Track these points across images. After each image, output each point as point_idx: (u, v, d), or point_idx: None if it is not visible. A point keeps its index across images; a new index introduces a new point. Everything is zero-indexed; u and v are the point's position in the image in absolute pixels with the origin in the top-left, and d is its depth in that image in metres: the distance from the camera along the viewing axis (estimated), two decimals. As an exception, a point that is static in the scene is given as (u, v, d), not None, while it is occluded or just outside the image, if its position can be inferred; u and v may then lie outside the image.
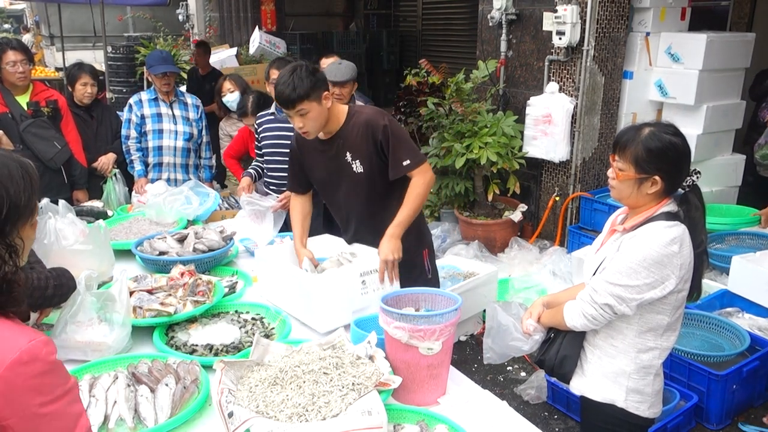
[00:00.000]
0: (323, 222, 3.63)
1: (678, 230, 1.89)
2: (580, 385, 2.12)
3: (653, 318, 1.96)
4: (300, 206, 2.93)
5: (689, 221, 1.93)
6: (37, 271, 2.16)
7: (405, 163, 2.63)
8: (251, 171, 3.95)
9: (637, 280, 1.88)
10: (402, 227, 2.60)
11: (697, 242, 1.94)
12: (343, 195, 2.83)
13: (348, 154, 2.70)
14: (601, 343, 2.05)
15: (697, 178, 1.95)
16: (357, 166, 2.70)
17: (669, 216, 1.92)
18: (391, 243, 2.53)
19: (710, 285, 4.04)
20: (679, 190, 1.96)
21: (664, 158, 1.90)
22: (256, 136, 3.94)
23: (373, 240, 2.66)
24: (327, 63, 4.23)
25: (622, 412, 2.04)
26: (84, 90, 4.45)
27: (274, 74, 3.73)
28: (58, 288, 2.18)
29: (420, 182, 2.66)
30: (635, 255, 1.88)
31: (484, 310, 4.33)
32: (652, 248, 1.86)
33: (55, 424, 1.21)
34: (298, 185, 2.95)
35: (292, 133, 3.72)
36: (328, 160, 2.76)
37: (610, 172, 2.02)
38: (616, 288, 1.91)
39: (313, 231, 3.03)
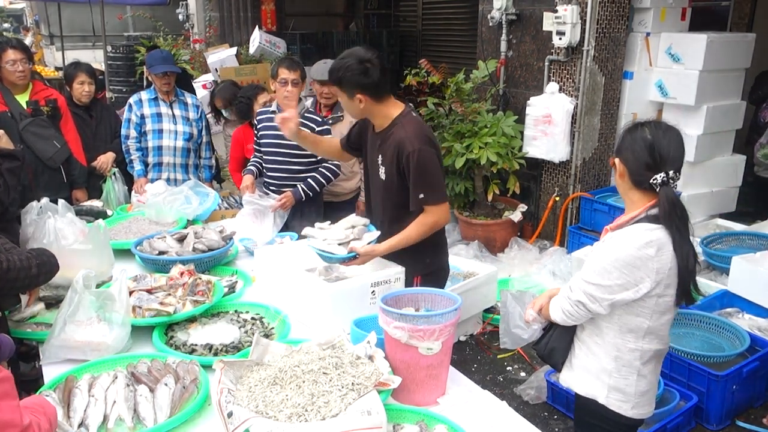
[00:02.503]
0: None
1: (658, 234, 1.88)
2: (567, 377, 2.16)
3: (632, 320, 1.97)
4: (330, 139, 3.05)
5: (670, 226, 1.88)
6: (16, 254, 2.15)
7: (420, 197, 2.59)
8: (252, 168, 3.94)
9: (608, 280, 1.91)
10: (389, 251, 2.59)
11: (680, 250, 1.90)
12: (371, 190, 2.87)
13: (380, 157, 2.71)
14: (587, 339, 2.08)
15: (666, 178, 1.88)
16: (382, 172, 2.71)
17: (654, 219, 1.91)
18: (366, 260, 2.57)
19: (710, 285, 4.04)
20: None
21: (627, 143, 1.96)
22: (256, 132, 3.94)
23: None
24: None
25: (604, 408, 2.06)
26: (81, 89, 4.45)
27: (283, 73, 3.71)
28: (42, 266, 2.18)
29: (427, 221, 2.60)
30: (609, 255, 1.92)
31: (484, 310, 4.33)
32: (624, 250, 1.89)
33: None
34: (347, 139, 2.95)
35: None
36: (370, 151, 2.80)
37: None
38: (589, 286, 1.94)
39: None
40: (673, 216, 1.89)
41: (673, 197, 1.90)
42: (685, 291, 1.96)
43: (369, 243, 2.58)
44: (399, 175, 2.63)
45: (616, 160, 2.00)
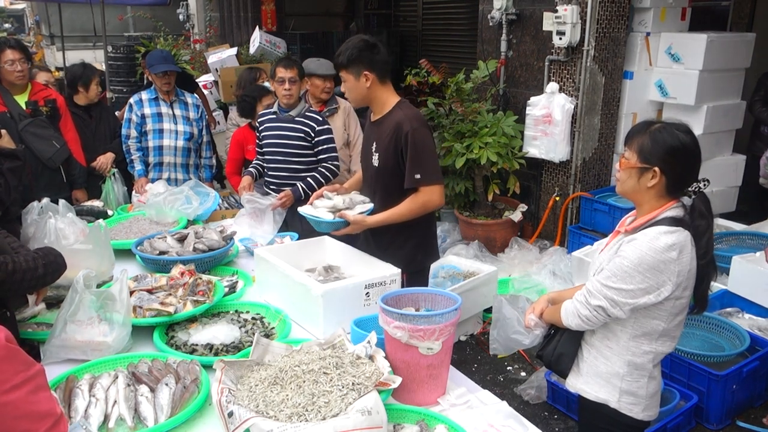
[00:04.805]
0: None
1: (679, 236, 1.85)
2: (576, 382, 2.13)
3: (648, 323, 1.95)
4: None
5: (693, 229, 1.88)
6: (23, 254, 2.16)
7: (416, 176, 2.67)
8: (252, 170, 3.95)
9: (631, 284, 1.87)
10: (378, 224, 2.71)
11: (701, 252, 1.90)
12: (366, 181, 2.95)
13: (375, 144, 2.79)
14: (597, 343, 2.05)
15: (704, 185, 1.91)
16: (375, 159, 2.78)
17: (673, 221, 1.88)
18: (356, 228, 2.70)
19: (710, 285, 4.03)
20: (686, 197, 1.92)
21: (669, 151, 1.88)
22: (257, 134, 3.95)
23: (376, 245, 2.78)
24: None
25: (615, 412, 2.04)
26: (97, 90, 4.53)
27: (281, 72, 3.74)
28: (48, 266, 2.18)
29: (419, 199, 2.70)
30: (631, 259, 1.86)
31: (484, 310, 4.33)
32: (648, 253, 1.84)
33: (12, 414, 1.11)
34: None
35: (293, 133, 3.75)
36: (367, 143, 2.89)
37: (617, 165, 2.01)
38: (609, 291, 1.90)
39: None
40: (709, 223, 1.89)
41: (709, 205, 1.90)
42: (702, 295, 1.97)
43: (361, 213, 2.70)
44: (395, 157, 2.71)
45: (656, 170, 1.89)
